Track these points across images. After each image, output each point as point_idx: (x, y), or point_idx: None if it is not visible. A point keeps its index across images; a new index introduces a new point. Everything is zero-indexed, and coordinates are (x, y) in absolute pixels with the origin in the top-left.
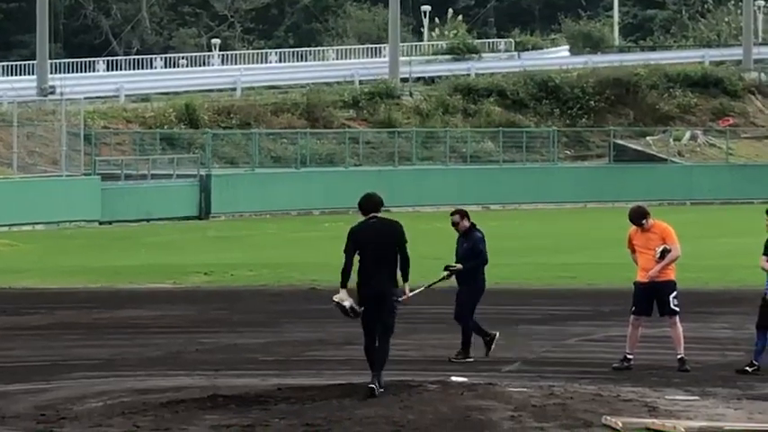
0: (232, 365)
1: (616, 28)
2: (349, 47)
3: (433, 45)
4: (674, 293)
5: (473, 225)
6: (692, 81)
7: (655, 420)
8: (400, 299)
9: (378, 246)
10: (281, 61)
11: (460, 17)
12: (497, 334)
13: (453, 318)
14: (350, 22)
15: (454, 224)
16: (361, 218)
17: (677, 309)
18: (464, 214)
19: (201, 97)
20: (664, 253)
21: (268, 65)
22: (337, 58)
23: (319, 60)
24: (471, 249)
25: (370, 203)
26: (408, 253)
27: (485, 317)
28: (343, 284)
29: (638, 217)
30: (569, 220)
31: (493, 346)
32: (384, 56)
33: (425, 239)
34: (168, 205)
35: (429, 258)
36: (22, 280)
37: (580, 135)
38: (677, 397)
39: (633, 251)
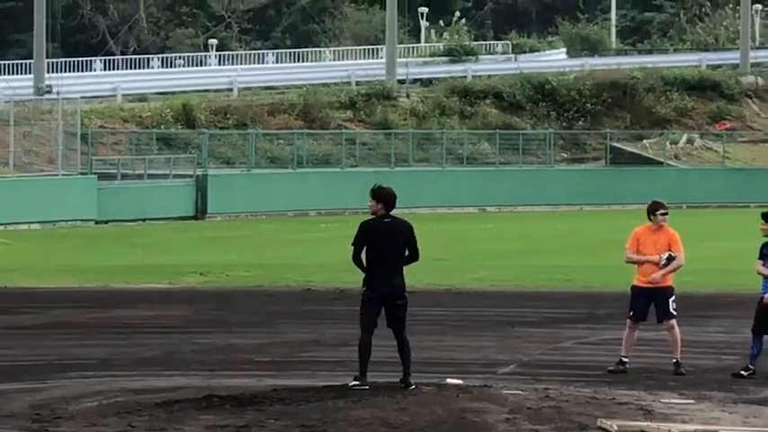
0: (227, 366)
1: (613, 31)
2: (346, 48)
3: (430, 47)
4: (673, 297)
5: None
6: (689, 84)
7: (650, 423)
8: None
9: (392, 244)
10: (277, 62)
11: (463, 20)
12: None
13: None
14: (347, 24)
15: None
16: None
17: (675, 312)
18: None
19: (198, 97)
20: (669, 259)
21: (265, 65)
22: (334, 59)
23: (316, 61)
24: None
25: (393, 201)
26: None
27: (482, 319)
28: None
29: (657, 207)
30: (565, 223)
31: None
32: (381, 57)
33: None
34: (164, 205)
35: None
36: (17, 279)
37: (576, 138)
38: (672, 400)
39: (635, 251)
